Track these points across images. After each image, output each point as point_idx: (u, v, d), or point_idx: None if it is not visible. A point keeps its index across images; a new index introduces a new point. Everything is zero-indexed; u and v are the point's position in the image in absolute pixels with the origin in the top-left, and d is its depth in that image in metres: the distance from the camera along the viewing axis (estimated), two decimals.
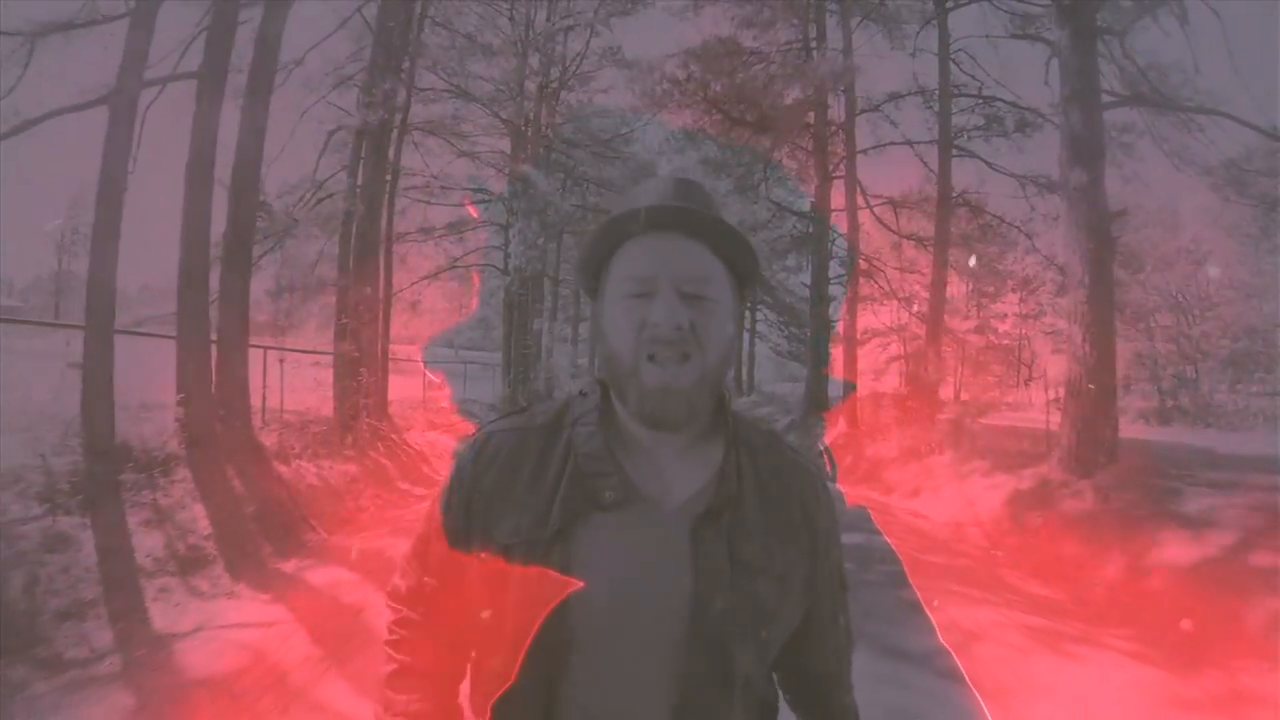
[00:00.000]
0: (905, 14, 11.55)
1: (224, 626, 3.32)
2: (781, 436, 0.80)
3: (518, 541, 0.68)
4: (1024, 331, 14.81)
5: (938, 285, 9.69)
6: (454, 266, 14.81)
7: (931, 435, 8.02)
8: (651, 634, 0.66)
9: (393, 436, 7.63)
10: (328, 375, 7.82)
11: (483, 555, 0.69)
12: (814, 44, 12.55)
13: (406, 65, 8.74)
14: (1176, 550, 4.11)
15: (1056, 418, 6.59)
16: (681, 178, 0.75)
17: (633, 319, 0.68)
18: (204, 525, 4.37)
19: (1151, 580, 3.97)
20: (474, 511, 0.71)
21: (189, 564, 3.96)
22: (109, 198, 4.82)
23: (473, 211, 11.19)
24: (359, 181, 7.74)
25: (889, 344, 13.43)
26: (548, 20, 13.76)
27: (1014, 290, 13.37)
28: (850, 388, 10.85)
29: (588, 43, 13.87)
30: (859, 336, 13.03)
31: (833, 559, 0.77)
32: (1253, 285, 20.92)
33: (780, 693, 0.80)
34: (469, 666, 0.76)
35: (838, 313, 12.59)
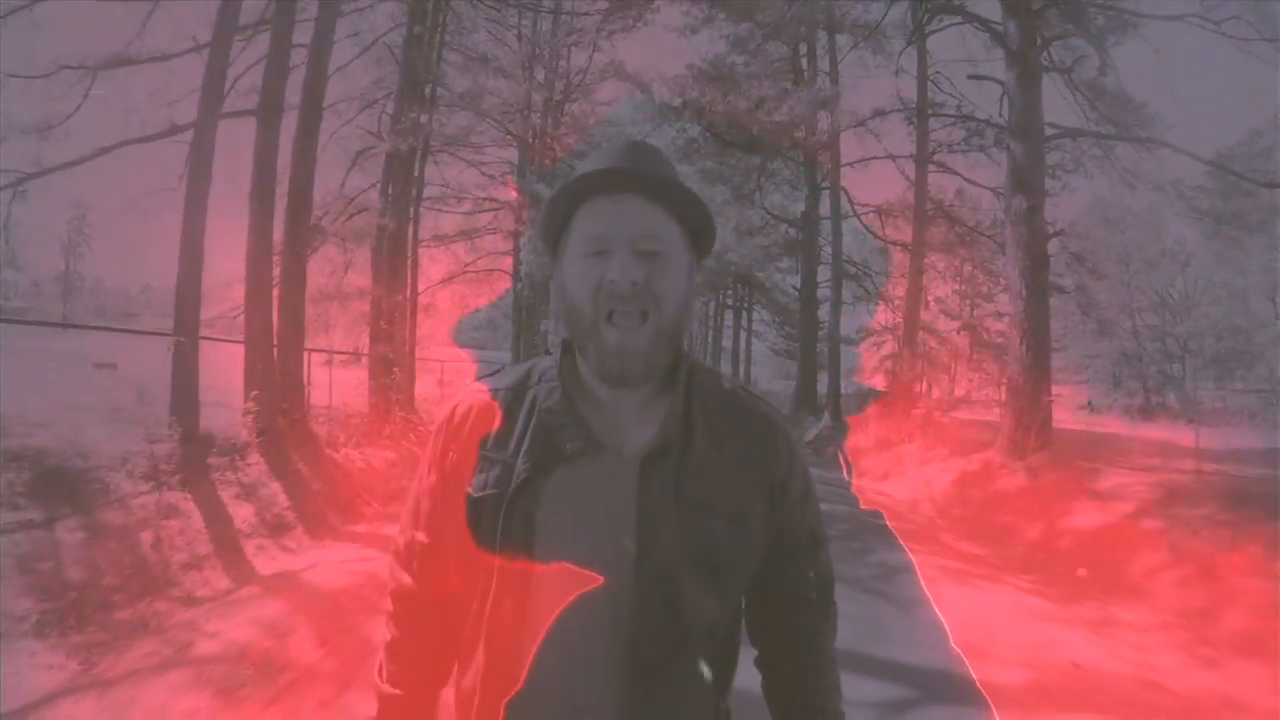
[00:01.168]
0: (890, 30, 12.39)
1: (334, 561, 4.23)
2: (745, 387, 0.83)
3: (487, 494, 0.72)
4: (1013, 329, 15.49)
5: (913, 291, 10.53)
6: (466, 272, 15.72)
7: (904, 427, 8.91)
8: (607, 574, 0.69)
9: (421, 428, 8.51)
10: (349, 373, 8.70)
11: (460, 509, 0.74)
12: (803, 58, 13.40)
13: (429, 91, 9.60)
14: (1085, 517, 5.02)
15: None
16: (636, 141, 0.79)
17: (591, 277, 0.71)
18: (281, 499, 5.26)
19: (1062, 540, 4.87)
20: (449, 470, 0.76)
21: (276, 528, 4.86)
22: (193, 218, 5.69)
23: (512, 190, 11.90)
24: (389, 198, 8.59)
25: (884, 342, 14.23)
26: (553, 37, 14.61)
27: (1004, 290, 14.30)
28: (835, 386, 11.68)
29: (590, 57, 14.74)
30: (856, 336, 13.87)
31: (795, 507, 0.78)
32: (1234, 285, 21.67)
33: (756, 653, 0.83)
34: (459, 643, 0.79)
35: (828, 315, 13.38)
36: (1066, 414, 13.70)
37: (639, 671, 0.69)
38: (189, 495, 4.94)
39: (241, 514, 4.90)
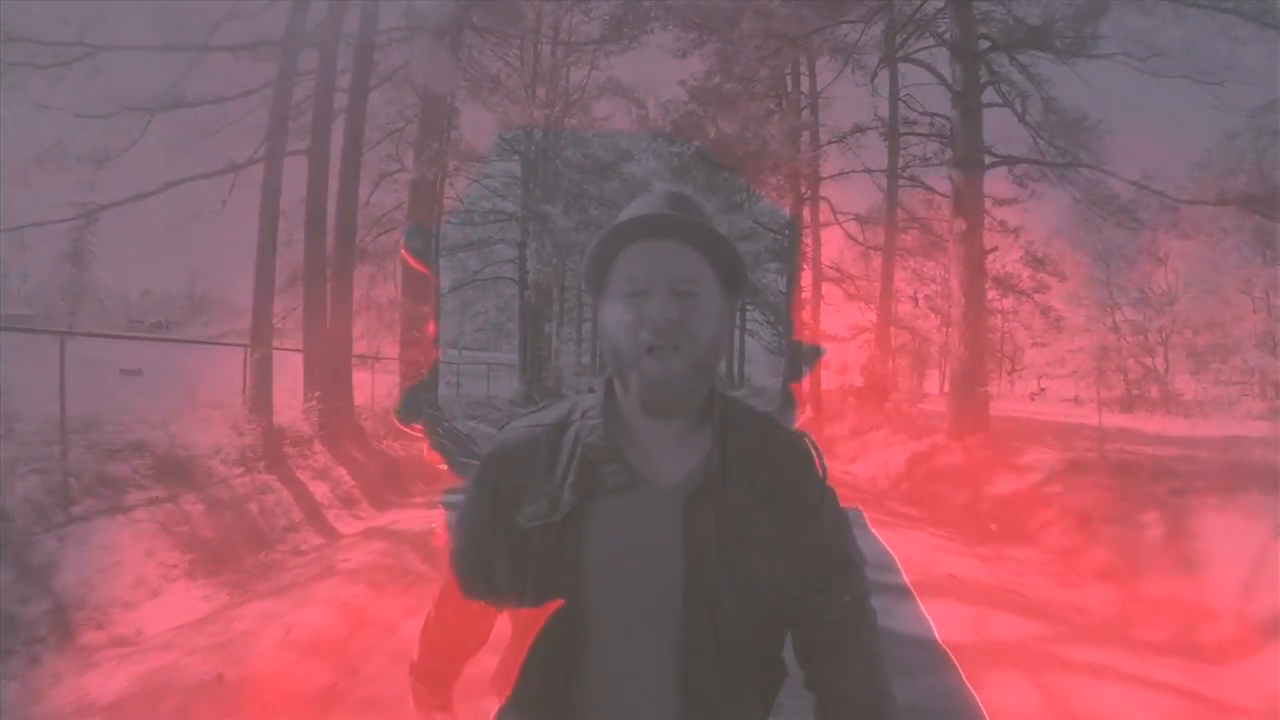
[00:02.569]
0: (869, 47, 13.49)
1: (401, 523, 5.37)
2: (773, 419, 0.88)
3: (535, 525, 0.77)
4: (1005, 327, 16.40)
5: (885, 294, 11.66)
6: (473, 280, 16.87)
7: (875, 418, 10.06)
8: (654, 605, 0.75)
9: (445, 424, 9.64)
10: (366, 375, 9.80)
11: (510, 537, 0.79)
12: (788, 76, 14.49)
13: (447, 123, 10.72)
14: (1004, 485, 6.18)
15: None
16: (674, 189, 0.86)
17: (631, 315, 0.76)
18: (347, 480, 6.39)
19: (983, 504, 6.03)
20: (499, 502, 0.81)
21: (348, 502, 6.00)
22: (265, 247, 6.80)
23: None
24: (416, 220, 9.71)
25: (869, 341, 15.33)
26: (553, 56, 15.73)
27: (991, 289, 14.40)
28: (788, 374, 12.77)
29: (588, 75, 15.84)
30: (845, 335, 14.96)
31: (828, 531, 0.82)
32: (1210, 281, 22.75)
33: (801, 670, 0.84)
34: (496, 649, 0.87)
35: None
36: (1051, 406, 14.85)
37: (689, 702, 0.74)
38: (274, 476, 6.07)
39: (318, 491, 6.03)
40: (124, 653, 3.32)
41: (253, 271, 6.84)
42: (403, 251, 8.10)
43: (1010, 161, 9.14)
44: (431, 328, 9.96)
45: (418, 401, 9.20)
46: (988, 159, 8.30)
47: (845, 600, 0.83)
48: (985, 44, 8.57)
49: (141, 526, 4.71)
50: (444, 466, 8.01)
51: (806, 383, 13.34)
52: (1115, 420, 10.93)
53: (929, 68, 9.31)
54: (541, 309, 15.55)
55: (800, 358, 13.57)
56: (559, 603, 0.75)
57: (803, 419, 12.22)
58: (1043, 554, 4.95)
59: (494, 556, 0.81)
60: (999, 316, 15.67)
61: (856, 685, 0.81)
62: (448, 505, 6.12)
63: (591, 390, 0.85)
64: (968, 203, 7.91)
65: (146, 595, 4.10)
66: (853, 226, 14.72)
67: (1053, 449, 6.93)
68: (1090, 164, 8.72)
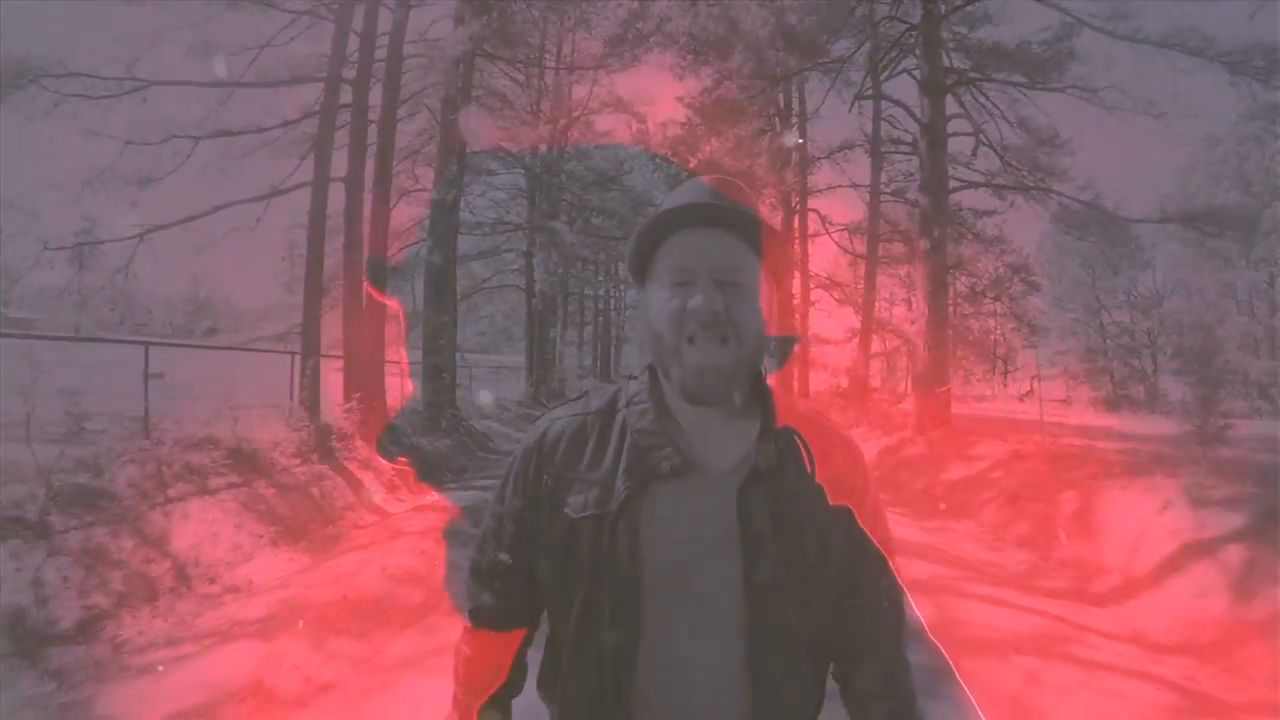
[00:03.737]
0: (859, 66, 14.47)
1: (442, 505, 6.34)
2: (819, 410, 0.90)
3: (587, 514, 0.76)
4: (995, 328, 17.38)
5: (868, 302, 12.63)
6: (481, 288, 17.84)
7: (857, 415, 11.04)
8: (713, 589, 0.75)
9: (465, 423, 10.61)
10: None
11: (556, 530, 0.78)
12: (780, 95, 15.44)
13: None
14: (956, 472, 7.16)
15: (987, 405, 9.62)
16: (718, 177, 0.83)
17: (675, 305, 0.75)
18: (388, 469, 7.35)
19: (937, 488, 7.01)
20: (543, 492, 0.80)
21: (391, 487, 6.96)
22: (314, 269, 7.76)
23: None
24: (437, 236, 10.69)
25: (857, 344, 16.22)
26: (556, 75, 16.71)
27: (982, 292, 15.37)
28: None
29: (590, 90, 16.81)
30: (838, 339, 15.88)
31: (869, 522, 0.83)
32: (1192, 284, 23.70)
33: (833, 662, 0.85)
34: (540, 637, 0.87)
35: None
36: (1036, 406, 15.69)
37: (754, 687, 0.75)
38: (326, 466, 7.03)
39: (365, 478, 6.99)
40: (244, 596, 4.29)
41: (303, 289, 7.81)
42: (365, 284, 8.78)
43: (972, 185, 10.15)
44: (454, 336, 10.92)
45: (440, 403, 10.17)
46: (952, 183, 9.28)
47: (883, 588, 0.84)
48: (952, 78, 9.57)
49: (227, 505, 5.67)
50: (465, 461, 9.00)
51: (796, 385, 14.29)
52: (1089, 420, 11.88)
53: (898, 102, 10.32)
54: (547, 315, 16.55)
55: (783, 354, 14.50)
56: (614, 594, 0.75)
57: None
58: (978, 526, 5.93)
59: (539, 552, 0.81)
60: (993, 320, 16.57)
61: (892, 680, 0.84)
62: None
63: (633, 378, 0.85)
64: (932, 223, 8.89)
65: (243, 558, 5.07)
66: (842, 236, 15.71)
67: (1005, 441, 7.91)
68: (1043, 187, 9.70)
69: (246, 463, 6.57)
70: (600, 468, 0.79)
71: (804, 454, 0.79)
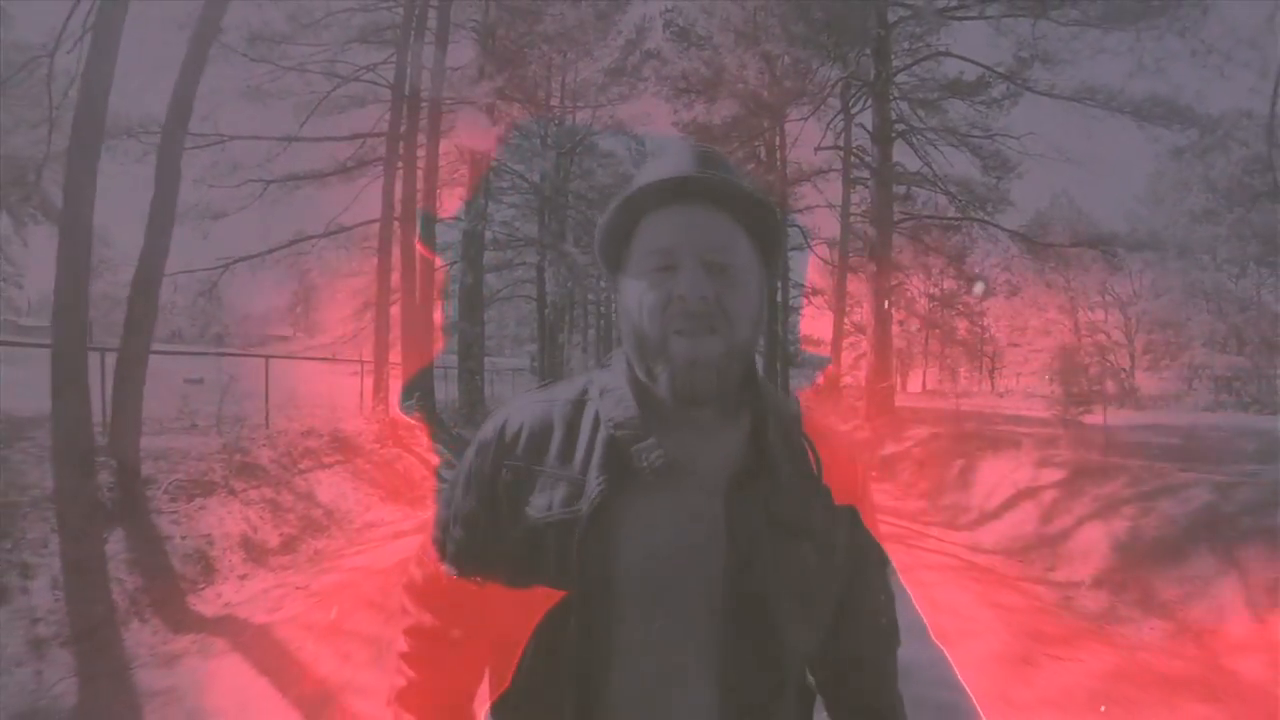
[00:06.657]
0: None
1: None
2: (811, 408, 0.80)
3: (553, 515, 0.67)
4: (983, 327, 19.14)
5: (838, 310, 14.66)
6: (497, 299, 19.87)
7: (826, 408, 13.13)
8: (694, 603, 0.66)
9: None
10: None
11: (513, 534, 0.68)
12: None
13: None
14: (891, 449, 9.24)
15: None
16: (699, 145, 0.74)
17: (658, 294, 0.67)
18: (433, 458, 9.39)
19: (871, 461, 9.09)
20: (500, 491, 0.70)
21: (449, 465, 9.01)
22: (383, 295, 9.81)
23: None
24: (468, 259, 12.75)
25: (859, 343, 18.08)
26: (561, 103, 18.71)
27: (939, 301, 17.56)
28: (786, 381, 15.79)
29: (593, 116, 18.80)
30: (820, 340, 17.85)
31: (861, 534, 0.76)
32: (1162, 285, 25.69)
33: (814, 675, 0.78)
34: (486, 670, 0.75)
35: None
36: (1013, 401, 17.69)
37: (729, 707, 0.67)
38: (399, 450, 9.08)
39: (430, 459, 9.03)
40: (380, 529, 6.34)
41: (373, 311, 9.84)
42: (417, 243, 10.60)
43: (914, 218, 12.23)
44: (481, 345, 12.95)
45: (473, 400, 12.24)
46: (897, 215, 11.36)
47: (881, 599, 0.79)
48: (900, 127, 11.65)
49: (340, 476, 7.72)
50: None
51: (778, 383, 16.34)
52: (1022, 411, 13.93)
53: (853, 152, 12.39)
54: (556, 322, 18.63)
55: (778, 362, 16.55)
56: (582, 608, 0.65)
57: None
58: (894, 486, 8.01)
59: (494, 562, 0.70)
60: (986, 318, 18.63)
61: (880, 692, 0.79)
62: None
63: (605, 365, 0.76)
64: (878, 251, 10.96)
65: (364, 509, 7.12)
66: (822, 249, 17.73)
67: (930, 426, 10.01)
68: (979, 218, 11.80)
69: (346, 446, 8.62)
70: (569, 464, 0.69)
71: (809, 454, 0.72)
